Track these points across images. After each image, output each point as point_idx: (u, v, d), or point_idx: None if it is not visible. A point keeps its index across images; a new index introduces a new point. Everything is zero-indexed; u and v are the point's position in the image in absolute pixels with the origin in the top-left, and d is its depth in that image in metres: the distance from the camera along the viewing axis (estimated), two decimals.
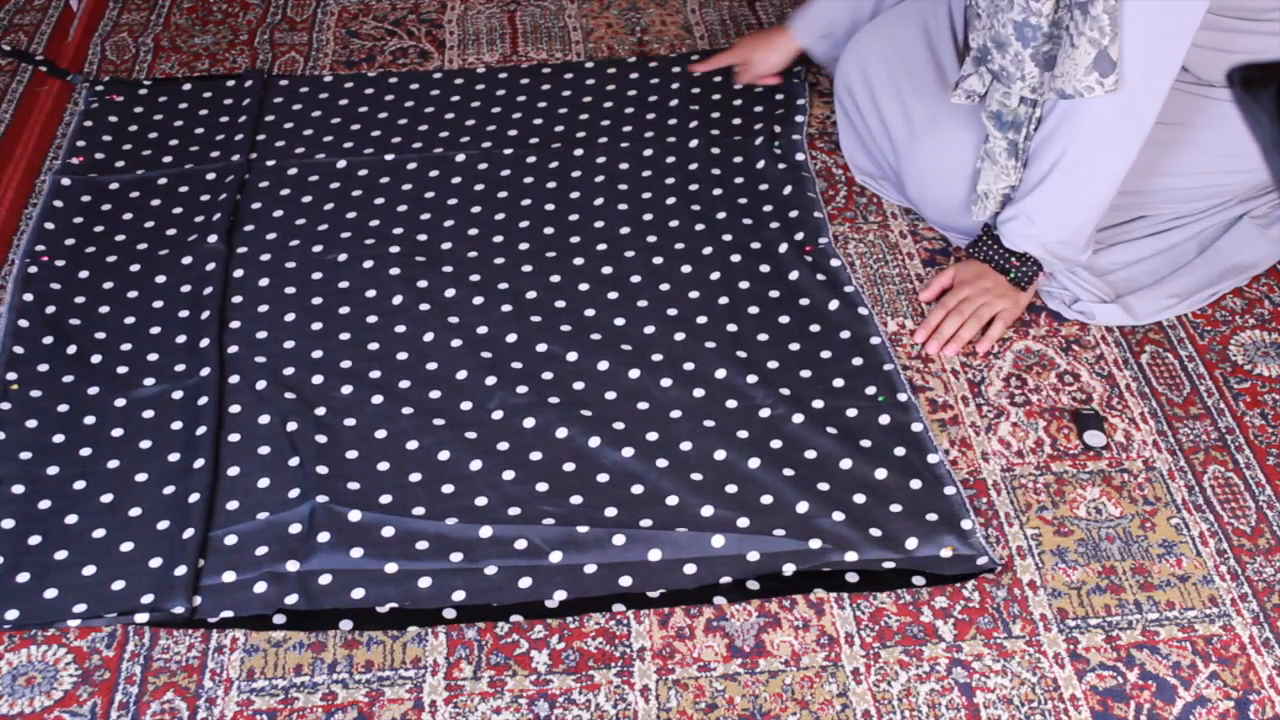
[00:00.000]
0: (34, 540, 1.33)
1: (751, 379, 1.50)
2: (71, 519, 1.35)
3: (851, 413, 1.47)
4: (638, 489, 1.38)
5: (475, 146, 1.86)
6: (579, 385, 1.50)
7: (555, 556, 1.31)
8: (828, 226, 1.71)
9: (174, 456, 1.41)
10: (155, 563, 1.30)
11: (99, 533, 1.34)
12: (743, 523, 1.34)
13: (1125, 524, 1.37)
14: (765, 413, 1.46)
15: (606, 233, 1.71)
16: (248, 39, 2.10)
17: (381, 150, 1.85)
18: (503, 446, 1.43)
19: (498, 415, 1.46)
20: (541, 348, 1.54)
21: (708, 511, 1.35)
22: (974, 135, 1.59)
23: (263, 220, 1.73)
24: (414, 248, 1.69)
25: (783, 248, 1.68)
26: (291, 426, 1.43)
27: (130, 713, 1.20)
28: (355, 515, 1.35)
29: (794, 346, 1.55)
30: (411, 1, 2.19)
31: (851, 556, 1.32)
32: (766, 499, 1.37)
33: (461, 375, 1.51)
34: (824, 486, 1.38)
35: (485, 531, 1.33)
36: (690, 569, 1.31)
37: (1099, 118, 1.43)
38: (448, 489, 1.38)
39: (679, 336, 1.56)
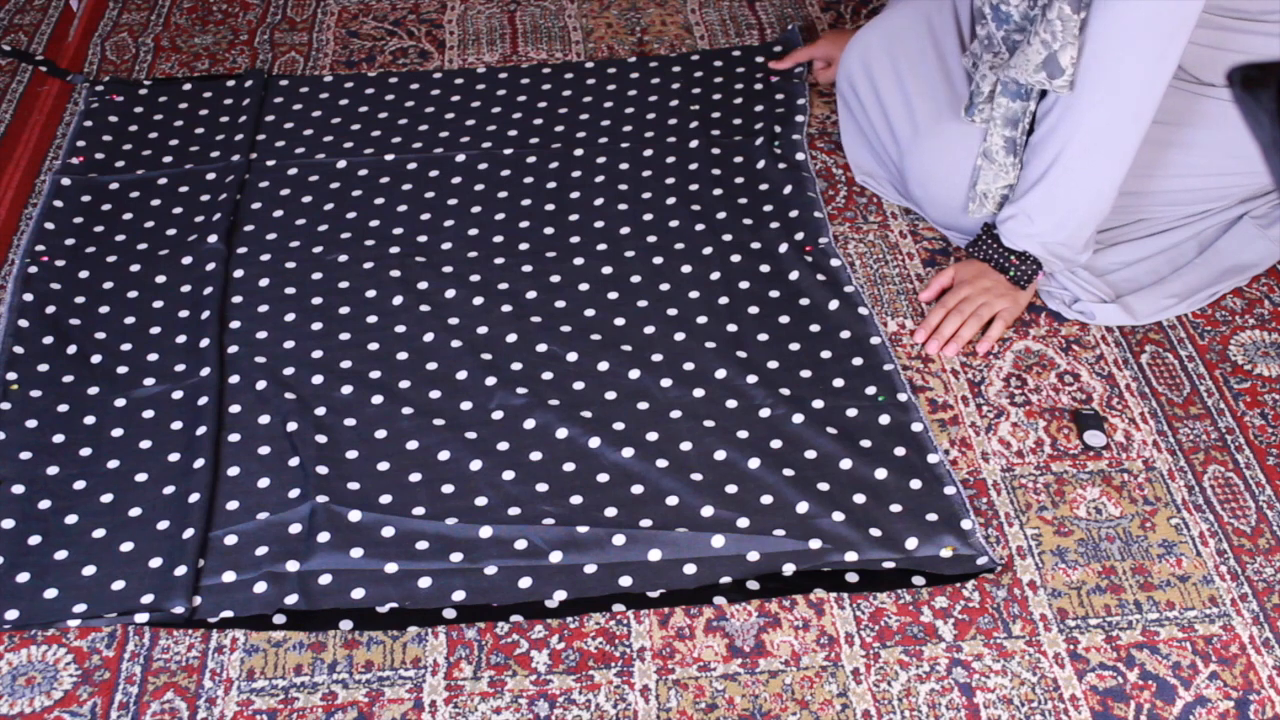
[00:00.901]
0: (34, 540, 1.33)
1: (751, 379, 1.50)
2: (71, 519, 1.35)
3: (851, 413, 1.47)
4: (638, 489, 1.38)
5: (475, 146, 1.86)
6: (579, 385, 1.50)
7: (555, 556, 1.31)
8: (828, 226, 1.71)
9: (174, 456, 1.41)
10: (155, 563, 1.30)
11: (99, 533, 1.34)
12: (743, 523, 1.34)
13: (1125, 524, 1.37)
14: (765, 413, 1.46)
15: (606, 233, 1.71)
16: (248, 39, 2.10)
17: (381, 150, 1.85)
18: (503, 446, 1.43)
19: (498, 415, 1.46)
20: (541, 348, 1.54)
21: (708, 511, 1.35)
22: (977, 134, 1.59)
23: (263, 220, 1.73)
24: (414, 248, 1.69)
25: (783, 248, 1.68)
26: (291, 426, 1.43)
27: (130, 713, 1.20)
28: (355, 515, 1.35)
29: (794, 346, 1.55)
30: (411, 1, 2.19)
31: (851, 556, 1.32)
32: (766, 499, 1.37)
33: (461, 375, 1.51)
34: (824, 486, 1.38)
35: (485, 531, 1.33)
36: (690, 569, 1.31)
37: (1096, 116, 1.43)
38: (448, 489, 1.39)
39: (679, 336, 1.56)
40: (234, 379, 1.50)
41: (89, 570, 1.30)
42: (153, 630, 1.27)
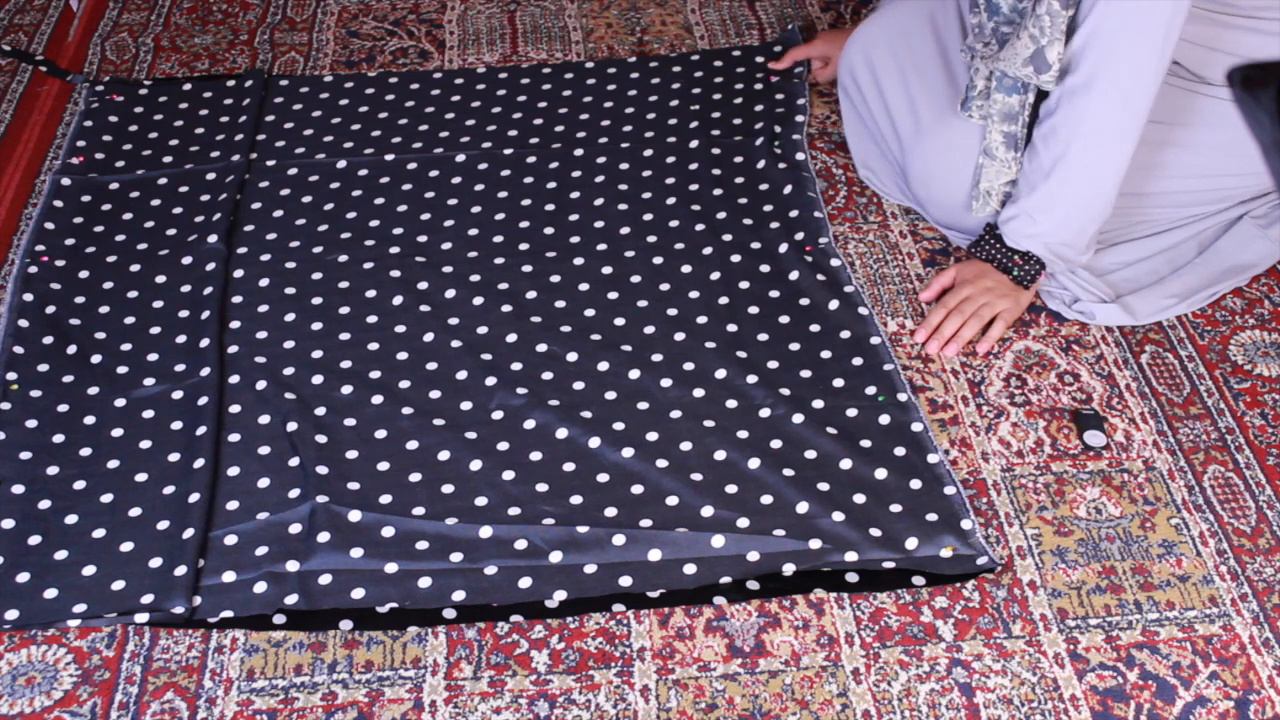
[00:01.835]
0: (34, 540, 1.33)
1: (751, 379, 1.50)
2: (71, 519, 1.35)
3: (851, 413, 1.47)
4: (638, 489, 1.38)
5: (475, 146, 1.86)
6: (579, 385, 1.50)
7: (555, 556, 1.31)
8: (828, 226, 1.71)
9: (174, 456, 1.41)
10: (155, 563, 1.30)
11: (99, 533, 1.34)
12: (743, 523, 1.34)
13: (1125, 524, 1.37)
14: (765, 413, 1.46)
15: (606, 233, 1.71)
16: (248, 39, 2.10)
17: (381, 150, 1.85)
18: (503, 446, 1.43)
19: (498, 415, 1.46)
20: (541, 348, 1.54)
21: (708, 511, 1.35)
22: (980, 132, 1.59)
23: (263, 220, 1.73)
24: (414, 248, 1.69)
25: (783, 248, 1.68)
26: (291, 426, 1.43)
27: (130, 713, 1.20)
28: (355, 515, 1.35)
29: (794, 346, 1.55)
30: (411, 1, 2.19)
31: (851, 556, 1.32)
32: (766, 499, 1.37)
33: (461, 375, 1.51)
34: (824, 486, 1.38)
35: (485, 531, 1.33)
36: (690, 569, 1.31)
37: (1099, 113, 1.43)
38: (448, 489, 1.39)
39: (679, 336, 1.56)
40: (234, 379, 1.50)
41: (89, 570, 1.30)
42: (153, 630, 1.27)
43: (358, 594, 1.29)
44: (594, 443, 1.42)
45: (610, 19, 2.15)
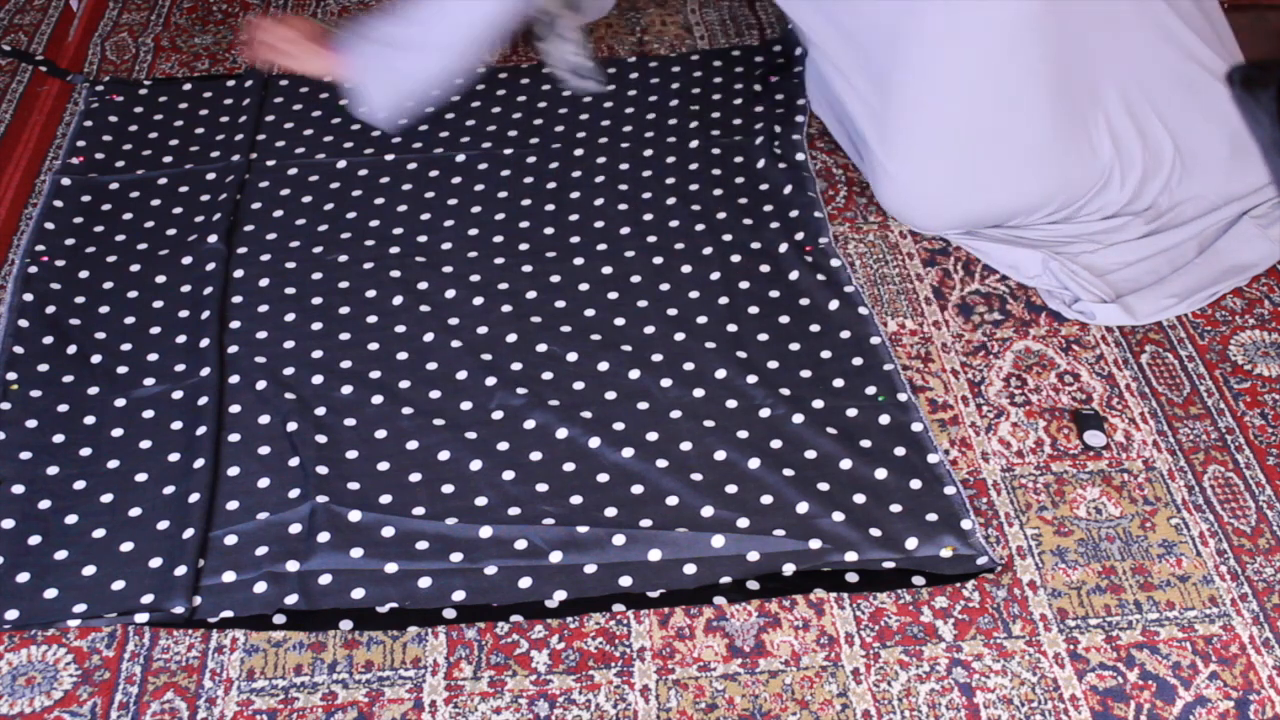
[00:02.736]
0: (34, 540, 1.33)
1: (751, 379, 1.50)
2: (71, 519, 1.35)
3: (851, 413, 1.47)
4: (638, 489, 1.38)
5: (475, 146, 1.86)
6: (579, 385, 1.50)
7: (555, 556, 1.31)
8: (828, 226, 1.71)
9: (174, 456, 1.41)
10: (155, 563, 1.30)
11: (99, 533, 1.34)
12: (743, 523, 1.34)
13: (1125, 524, 1.37)
14: (765, 413, 1.46)
15: (606, 233, 1.71)
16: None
17: (381, 150, 1.85)
18: (503, 447, 1.43)
19: (498, 415, 1.46)
20: (541, 348, 1.54)
21: (708, 512, 1.35)
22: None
23: (263, 220, 1.73)
24: (414, 248, 1.69)
25: (783, 248, 1.68)
26: (291, 426, 1.43)
27: (130, 713, 1.20)
28: (355, 515, 1.35)
29: (794, 346, 1.55)
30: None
31: (851, 556, 1.32)
32: (766, 499, 1.37)
33: (461, 375, 1.51)
34: (824, 486, 1.38)
35: (485, 531, 1.33)
36: (690, 569, 1.31)
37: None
38: (448, 489, 1.39)
39: (679, 336, 1.56)
40: (234, 379, 1.50)
41: (89, 570, 1.30)
42: (153, 630, 1.27)
43: (358, 594, 1.29)
44: (594, 443, 1.42)
45: (610, 19, 2.15)
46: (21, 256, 1.65)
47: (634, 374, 1.51)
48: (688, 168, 1.81)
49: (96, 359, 1.53)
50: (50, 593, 1.28)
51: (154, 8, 2.18)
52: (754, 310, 1.60)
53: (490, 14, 1.64)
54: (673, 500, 1.37)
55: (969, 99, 1.55)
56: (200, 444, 1.41)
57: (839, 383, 1.50)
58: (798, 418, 1.45)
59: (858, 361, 1.53)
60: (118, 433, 1.44)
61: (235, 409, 1.46)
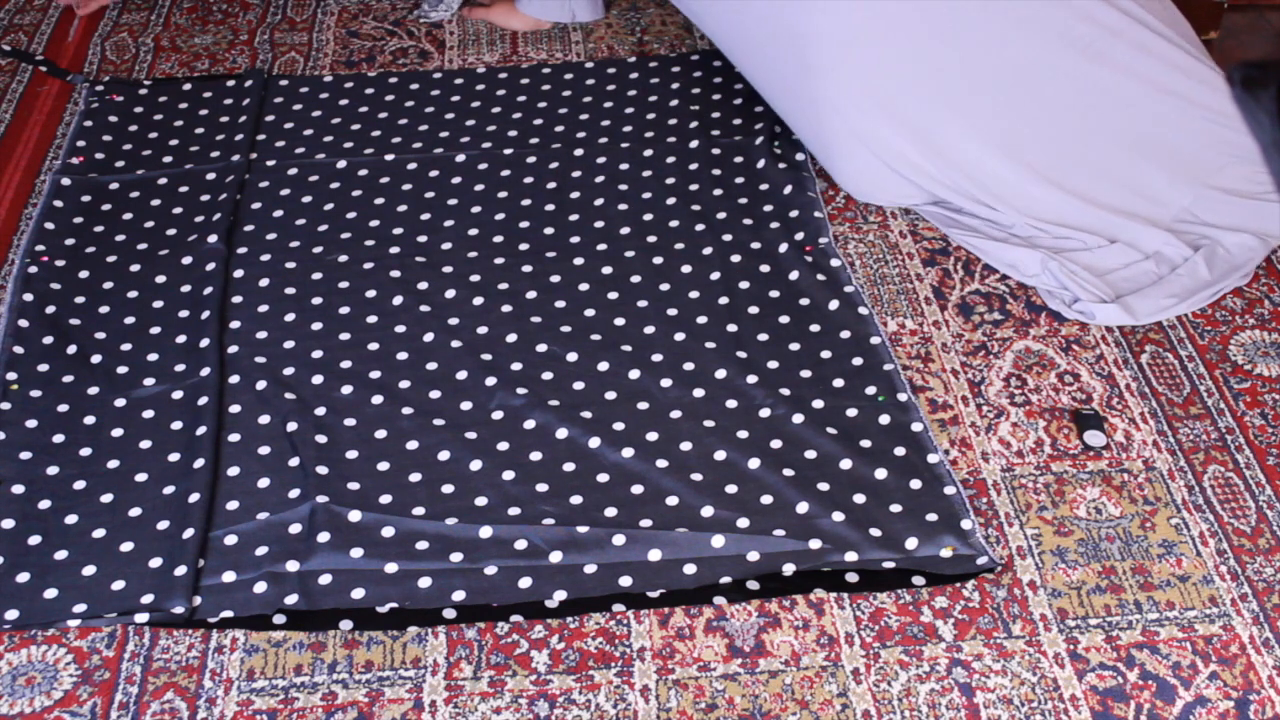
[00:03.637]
0: (34, 540, 1.33)
1: (751, 379, 1.50)
2: (71, 519, 1.35)
3: (851, 413, 1.47)
4: (638, 489, 1.38)
5: (475, 146, 1.86)
6: (579, 385, 1.50)
7: (555, 556, 1.31)
8: (828, 226, 1.71)
9: (174, 456, 1.41)
10: (155, 563, 1.30)
11: (99, 533, 1.34)
12: (743, 523, 1.34)
13: (1125, 524, 1.37)
14: (765, 413, 1.46)
15: (606, 233, 1.71)
16: (248, 39, 2.10)
17: (381, 150, 1.85)
18: (503, 447, 1.43)
19: (498, 415, 1.46)
20: (541, 348, 1.54)
21: (708, 512, 1.35)
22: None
23: (263, 220, 1.73)
24: (414, 248, 1.69)
25: (783, 248, 1.68)
26: (291, 426, 1.43)
27: (130, 713, 1.20)
28: (355, 515, 1.35)
29: (794, 346, 1.55)
30: (411, 1, 2.19)
31: (851, 556, 1.31)
32: (766, 499, 1.37)
33: (461, 376, 1.51)
34: (824, 486, 1.38)
35: (485, 531, 1.33)
36: (690, 569, 1.31)
37: None
38: (448, 489, 1.38)
39: (679, 336, 1.56)
40: (234, 379, 1.50)
41: (89, 570, 1.30)
42: (153, 630, 1.27)
43: (358, 594, 1.29)
44: (594, 443, 1.42)
45: (610, 19, 2.15)
46: (21, 256, 1.65)
47: (634, 374, 1.51)
48: (688, 168, 1.81)
49: (96, 359, 1.53)
50: (50, 593, 1.28)
51: (154, 8, 2.18)
52: (754, 310, 1.60)
53: None
54: (673, 500, 1.37)
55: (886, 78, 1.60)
56: (200, 444, 1.41)
57: (839, 383, 1.50)
58: (798, 418, 1.45)
59: (858, 361, 1.53)
60: (118, 433, 1.44)
61: (235, 409, 1.46)
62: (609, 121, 1.91)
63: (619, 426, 1.45)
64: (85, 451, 1.42)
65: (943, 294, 1.63)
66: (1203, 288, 1.60)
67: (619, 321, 1.58)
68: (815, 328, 1.57)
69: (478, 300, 1.60)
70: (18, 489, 1.37)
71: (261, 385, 1.49)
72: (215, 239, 1.67)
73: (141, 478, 1.39)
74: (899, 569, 1.32)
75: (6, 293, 1.61)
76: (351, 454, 1.42)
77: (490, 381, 1.50)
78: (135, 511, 1.36)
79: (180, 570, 1.29)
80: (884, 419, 1.46)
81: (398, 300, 1.60)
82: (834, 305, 1.60)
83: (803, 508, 1.35)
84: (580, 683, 1.23)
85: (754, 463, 1.40)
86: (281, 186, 1.79)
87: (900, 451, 1.42)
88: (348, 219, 1.73)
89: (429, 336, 1.56)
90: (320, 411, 1.46)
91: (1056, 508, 1.38)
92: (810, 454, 1.42)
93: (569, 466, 1.41)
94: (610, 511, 1.36)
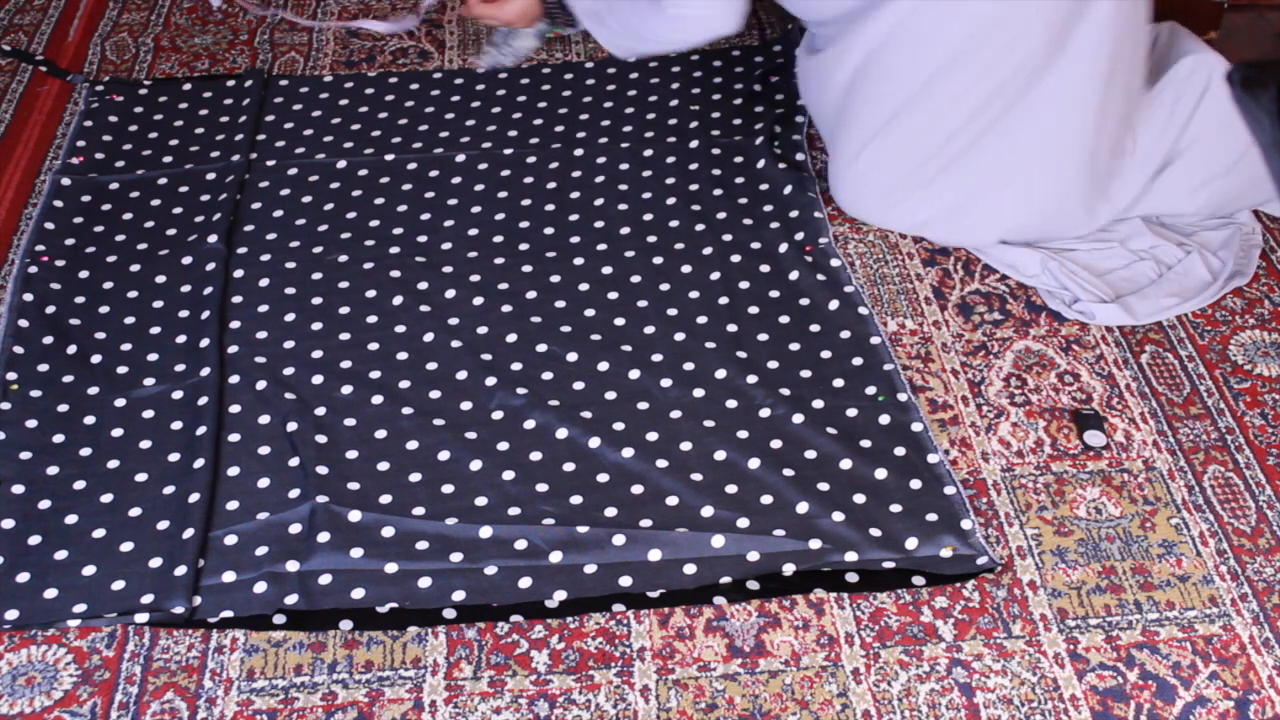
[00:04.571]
0: (34, 540, 1.33)
1: (751, 379, 1.50)
2: (71, 519, 1.35)
3: (851, 413, 1.47)
4: (638, 489, 1.38)
5: (475, 146, 1.86)
6: (579, 385, 1.50)
7: (555, 556, 1.31)
8: (828, 226, 1.71)
9: (174, 456, 1.41)
10: (155, 563, 1.30)
11: (99, 533, 1.34)
12: (743, 523, 1.34)
13: (1125, 524, 1.37)
14: (765, 413, 1.46)
15: (606, 233, 1.71)
16: (248, 39, 2.10)
17: (381, 150, 1.85)
18: (503, 447, 1.43)
19: (498, 415, 1.46)
20: (541, 348, 1.54)
21: (708, 512, 1.35)
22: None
23: (263, 220, 1.73)
24: (414, 248, 1.69)
25: (783, 248, 1.68)
26: (291, 426, 1.43)
27: (130, 713, 1.20)
28: (355, 515, 1.35)
29: (794, 346, 1.55)
30: (411, 1, 2.19)
31: (851, 556, 1.32)
32: (766, 499, 1.37)
33: (461, 375, 1.51)
34: (824, 486, 1.38)
35: (485, 531, 1.33)
36: (690, 569, 1.31)
37: None
38: (448, 489, 1.39)
39: (679, 336, 1.56)
40: (234, 379, 1.50)
41: (89, 570, 1.30)
42: (153, 630, 1.27)
43: (358, 594, 1.29)
44: (594, 443, 1.42)
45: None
46: (21, 256, 1.65)
47: (634, 374, 1.51)
48: (688, 168, 1.81)
49: (96, 359, 1.53)
50: (50, 593, 1.28)
51: (154, 8, 2.18)
52: (754, 310, 1.60)
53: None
54: (673, 500, 1.37)
55: (911, 96, 1.57)
56: (200, 444, 1.41)
57: (839, 383, 1.50)
58: (798, 418, 1.45)
59: (858, 361, 1.53)
60: (118, 433, 1.44)
61: (235, 409, 1.46)
62: (609, 121, 1.91)
63: (619, 426, 1.45)
64: (85, 451, 1.42)
65: (943, 294, 1.63)
66: (1203, 288, 1.60)
67: (619, 321, 1.58)
68: (815, 328, 1.57)
69: (478, 300, 1.60)
70: (18, 489, 1.37)
71: (261, 385, 1.49)
72: (215, 239, 1.67)
73: (141, 478, 1.39)
74: (899, 569, 1.32)
75: (6, 293, 1.61)
76: (351, 454, 1.42)
77: (490, 381, 1.50)
78: (135, 511, 1.36)
79: (180, 570, 1.29)
80: (884, 419, 1.46)
81: (398, 300, 1.60)
82: (834, 305, 1.60)
83: (803, 508, 1.35)
84: (580, 683, 1.23)
85: (754, 463, 1.40)
86: (281, 186, 1.79)
87: (900, 451, 1.42)
88: (348, 219, 1.73)
89: (429, 336, 1.56)
90: (320, 411, 1.46)
91: (1056, 508, 1.38)
92: (810, 454, 1.42)
93: (569, 466, 1.41)
94: (610, 511, 1.36)
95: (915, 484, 1.39)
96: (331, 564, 1.31)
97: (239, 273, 1.64)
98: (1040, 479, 1.41)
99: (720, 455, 1.41)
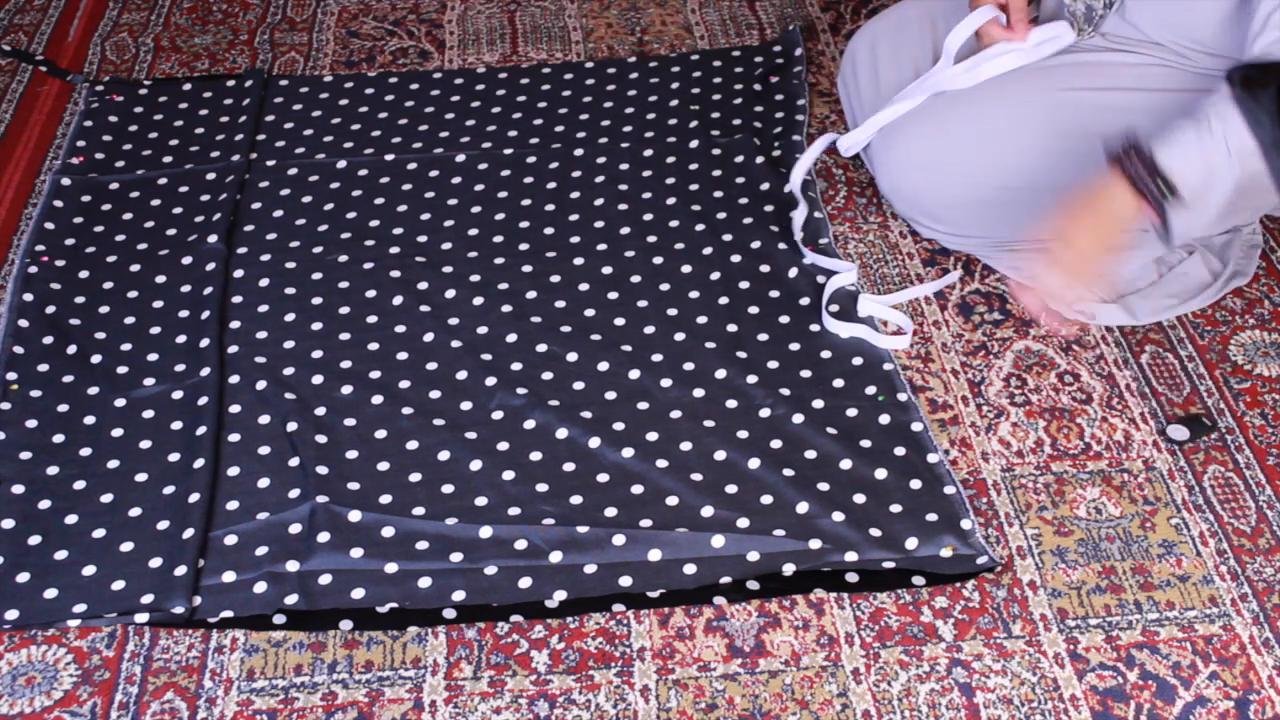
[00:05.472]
0: (34, 540, 1.33)
1: (751, 379, 1.50)
2: (71, 519, 1.35)
3: (851, 413, 1.47)
4: (638, 489, 1.38)
5: (475, 146, 1.86)
6: (579, 385, 1.50)
7: (555, 556, 1.31)
8: (828, 226, 1.71)
9: (174, 456, 1.41)
10: (155, 563, 1.30)
11: (99, 533, 1.34)
12: (743, 523, 1.34)
13: (1125, 524, 1.37)
14: (765, 413, 1.46)
15: (606, 233, 1.71)
16: (248, 39, 2.10)
17: (381, 150, 1.85)
18: (503, 447, 1.43)
19: (498, 415, 1.46)
20: (541, 348, 1.54)
21: (708, 512, 1.35)
22: (952, 122, 1.59)
23: (263, 220, 1.73)
24: (414, 248, 1.69)
25: (782, 247, 1.68)
26: (291, 426, 1.43)
27: (130, 713, 1.20)
28: (355, 515, 1.35)
29: (794, 346, 1.55)
30: (411, 1, 2.19)
31: (851, 556, 1.32)
32: (766, 499, 1.37)
33: (461, 375, 1.51)
34: (824, 486, 1.38)
35: (485, 531, 1.33)
36: (690, 569, 1.31)
37: None
38: (448, 489, 1.39)
39: (679, 336, 1.56)
40: (234, 379, 1.50)
41: (89, 570, 1.30)
42: (153, 630, 1.27)
43: (358, 594, 1.29)
44: (594, 443, 1.42)
45: (610, 19, 2.15)
46: (21, 256, 1.65)
47: (634, 374, 1.51)
48: (688, 168, 1.81)
49: (96, 359, 1.53)
50: (50, 593, 1.28)
51: (154, 8, 2.18)
52: (754, 310, 1.60)
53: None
54: (673, 500, 1.37)
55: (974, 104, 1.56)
56: (200, 444, 1.41)
57: (839, 383, 1.50)
58: (798, 418, 1.45)
59: (858, 361, 1.53)
60: (118, 433, 1.44)
61: (235, 409, 1.46)
62: (609, 121, 1.91)
63: (619, 426, 1.45)
64: (85, 451, 1.42)
65: (942, 294, 1.63)
66: (1203, 288, 1.60)
67: (619, 321, 1.58)
68: (815, 327, 1.57)
69: (478, 300, 1.60)
70: (18, 489, 1.37)
71: (261, 385, 1.49)
72: (215, 239, 1.67)
73: (141, 478, 1.39)
74: (899, 569, 1.32)
75: (6, 293, 1.61)
76: (351, 454, 1.42)
77: (490, 381, 1.50)
78: (135, 511, 1.36)
79: (180, 570, 1.29)
80: (884, 419, 1.46)
81: (398, 300, 1.60)
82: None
83: (803, 508, 1.35)
84: (580, 683, 1.23)
85: (754, 463, 1.40)
86: (281, 186, 1.79)
87: (900, 451, 1.42)
88: (348, 219, 1.73)
89: (429, 336, 1.56)
90: (320, 411, 1.46)
91: (1056, 508, 1.38)
92: (810, 454, 1.42)
93: (569, 466, 1.41)
94: (610, 511, 1.36)
95: (915, 484, 1.39)
96: (331, 564, 1.31)
97: (239, 273, 1.64)
98: (1040, 479, 1.41)
99: (720, 455, 1.41)
